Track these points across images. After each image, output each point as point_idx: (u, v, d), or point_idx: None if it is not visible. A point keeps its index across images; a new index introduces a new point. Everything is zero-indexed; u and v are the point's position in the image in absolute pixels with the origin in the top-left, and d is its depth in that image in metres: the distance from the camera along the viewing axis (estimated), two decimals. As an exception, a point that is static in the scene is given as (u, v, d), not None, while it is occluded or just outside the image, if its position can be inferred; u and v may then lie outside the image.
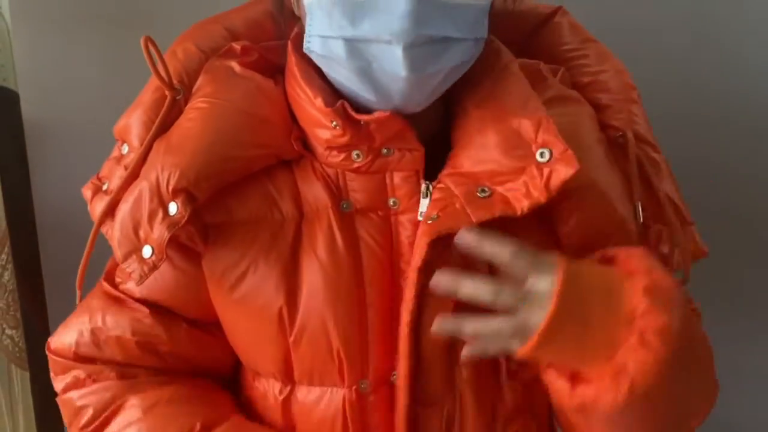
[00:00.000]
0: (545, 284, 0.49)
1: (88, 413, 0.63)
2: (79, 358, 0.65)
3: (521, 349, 0.50)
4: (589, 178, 0.58)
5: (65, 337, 0.65)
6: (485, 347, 0.53)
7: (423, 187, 0.58)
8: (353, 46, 0.53)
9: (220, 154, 0.57)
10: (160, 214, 0.56)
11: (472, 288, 0.51)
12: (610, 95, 0.65)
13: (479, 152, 0.57)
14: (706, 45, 1.00)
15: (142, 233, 0.58)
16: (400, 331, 0.56)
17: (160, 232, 0.56)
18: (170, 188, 0.56)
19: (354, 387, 0.59)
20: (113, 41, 0.91)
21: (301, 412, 0.61)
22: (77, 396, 0.64)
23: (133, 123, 0.62)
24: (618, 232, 0.59)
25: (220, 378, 0.69)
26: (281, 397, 0.62)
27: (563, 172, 0.53)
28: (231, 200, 0.59)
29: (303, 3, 0.56)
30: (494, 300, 0.50)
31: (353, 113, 0.56)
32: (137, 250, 0.58)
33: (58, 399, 0.67)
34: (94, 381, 0.64)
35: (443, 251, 0.55)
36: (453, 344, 0.58)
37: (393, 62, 0.52)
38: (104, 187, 0.63)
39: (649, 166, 0.62)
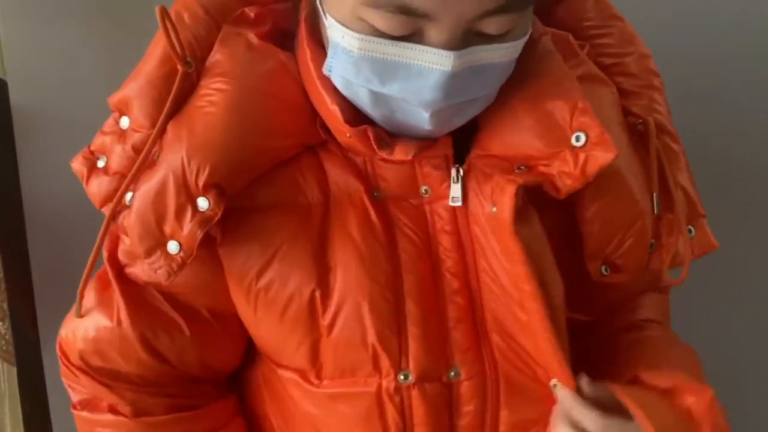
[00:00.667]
0: None
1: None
2: (89, 370, 0.63)
3: None
4: (614, 165, 0.56)
5: (72, 340, 0.63)
6: None
7: (453, 172, 0.56)
8: (379, 97, 0.51)
9: (253, 147, 0.55)
10: (189, 210, 0.53)
11: None
12: (632, 80, 0.63)
13: (511, 135, 0.55)
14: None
15: (167, 228, 0.54)
16: (541, 324, 0.53)
17: (191, 229, 0.53)
18: (200, 183, 0.53)
19: (390, 378, 0.56)
20: (103, 28, 0.89)
21: (330, 406, 0.59)
22: (92, 419, 0.64)
23: (136, 97, 0.57)
24: (637, 223, 0.58)
25: (225, 374, 0.68)
26: (309, 387, 0.60)
27: (601, 157, 0.51)
28: (255, 185, 0.57)
29: (327, 33, 0.52)
30: None
31: (375, 147, 0.54)
32: (162, 245, 0.55)
33: (72, 409, 0.66)
34: (110, 410, 0.63)
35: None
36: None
37: (418, 119, 0.51)
38: (100, 164, 0.59)
39: (665, 156, 0.60)
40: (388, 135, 0.55)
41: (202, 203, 0.53)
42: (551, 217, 0.56)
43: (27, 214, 0.93)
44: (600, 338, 0.68)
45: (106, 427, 0.63)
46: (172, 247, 0.54)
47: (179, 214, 0.53)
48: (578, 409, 0.53)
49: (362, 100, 0.53)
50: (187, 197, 0.53)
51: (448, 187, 0.56)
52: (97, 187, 0.58)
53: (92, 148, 0.60)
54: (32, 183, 0.92)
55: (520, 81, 0.55)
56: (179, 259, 0.54)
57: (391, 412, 0.57)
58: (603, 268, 0.59)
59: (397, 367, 0.56)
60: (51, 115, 0.91)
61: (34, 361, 0.95)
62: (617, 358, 0.64)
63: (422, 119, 0.51)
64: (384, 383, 0.56)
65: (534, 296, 0.52)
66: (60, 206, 0.90)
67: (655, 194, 0.59)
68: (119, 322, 0.60)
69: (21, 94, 0.90)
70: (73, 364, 0.64)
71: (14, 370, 0.90)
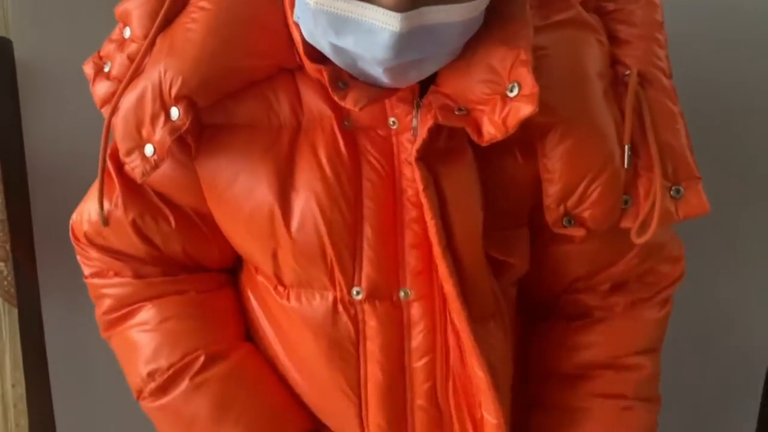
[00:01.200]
0: None
1: (109, 302, 0.70)
2: (92, 246, 0.70)
3: None
4: (581, 113, 0.57)
5: (80, 221, 0.70)
6: None
7: (415, 103, 0.58)
8: (337, 48, 0.53)
9: (223, 65, 0.58)
10: (162, 117, 0.58)
11: None
12: (631, 29, 0.61)
13: (461, 78, 0.56)
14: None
15: (144, 132, 0.59)
16: (435, 250, 0.57)
17: (162, 135, 0.58)
18: (173, 94, 0.57)
19: (345, 292, 0.60)
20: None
21: (292, 312, 0.64)
22: (101, 284, 0.71)
23: (135, 9, 0.62)
24: (605, 172, 0.58)
25: (224, 270, 0.73)
26: (275, 295, 0.65)
27: (522, 110, 0.52)
28: (230, 103, 0.60)
29: None
30: None
31: (329, 88, 0.56)
32: (139, 147, 0.59)
33: (85, 279, 0.73)
34: (115, 275, 0.70)
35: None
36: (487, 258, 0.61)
37: (375, 73, 0.54)
38: (106, 68, 0.64)
39: (652, 112, 0.59)
40: (349, 76, 0.57)
41: (174, 113, 0.57)
42: (515, 160, 0.60)
43: (29, 164, 0.97)
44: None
45: (111, 287, 0.70)
46: (148, 149, 0.59)
47: (154, 121, 0.58)
48: None
49: (325, 49, 0.55)
50: (161, 106, 0.57)
51: (413, 119, 0.58)
52: (100, 89, 0.63)
53: (101, 53, 0.65)
54: (34, 135, 0.97)
55: (487, 26, 0.56)
56: (152, 161, 0.59)
57: (344, 324, 0.61)
58: (565, 220, 0.60)
59: (350, 284, 0.60)
60: (54, 71, 0.95)
61: (34, 302, 1.00)
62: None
63: (378, 73, 0.54)
64: (339, 296, 0.61)
65: (432, 226, 0.56)
66: (61, 157, 0.95)
67: (626, 147, 0.58)
68: (115, 206, 0.65)
69: (25, 52, 0.94)
70: (81, 241, 0.70)
71: (15, 311, 0.95)
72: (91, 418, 1.11)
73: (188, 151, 0.62)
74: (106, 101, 0.62)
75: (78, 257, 0.73)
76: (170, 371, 0.66)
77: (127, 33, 0.63)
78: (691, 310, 1.24)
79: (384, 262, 0.60)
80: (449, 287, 0.58)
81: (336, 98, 0.56)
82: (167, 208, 0.66)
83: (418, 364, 0.62)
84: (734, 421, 1.35)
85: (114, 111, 0.60)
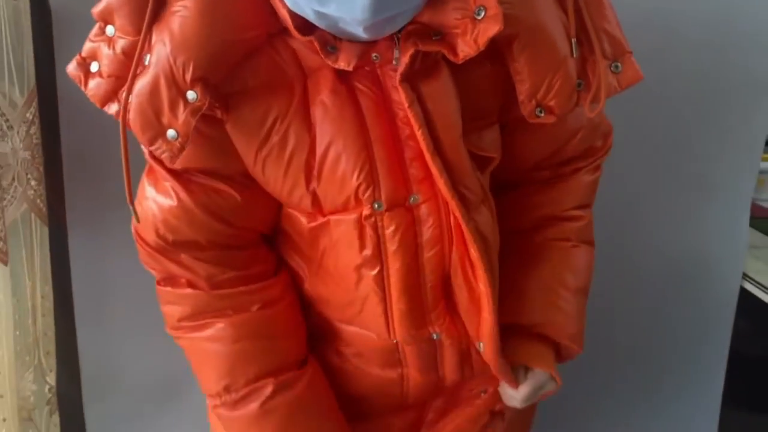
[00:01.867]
0: None
1: (183, 311, 0.78)
2: (167, 246, 0.75)
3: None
4: (538, 21, 0.66)
5: (145, 225, 0.75)
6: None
7: (396, 37, 0.66)
8: (321, 14, 0.60)
9: (223, 40, 0.63)
10: (181, 102, 0.63)
11: None
12: None
13: (435, 9, 0.64)
14: None
15: (165, 119, 0.63)
16: (426, 157, 0.68)
17: (185, 118, 0.63)
18: (188, 78, 0.62)
19: (368, 206, 0.70)
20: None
21: (326, 235, 0.75)
22: (173, 293, 0.78)
23: (118, 8, 0.64)
24: (561, 69, 0.68)
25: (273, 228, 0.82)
26: (311, 225, 0.75)
27: (490, 29, 0.61)
28: (243, 72, 0.67)
29: None
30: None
31: (322, 55, 0.65)
32: (162, 134, 0.64)
33: (157, 285, 0.80)
34: (189, 285, 0.77)
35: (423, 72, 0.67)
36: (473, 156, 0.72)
37: (356, 31, 0.62)
38: (93, 68, 0.67)
39: (585, 6, 0.68)
40: (334, 38, 0.65)
41: (191, 95, 0.62)
42: (485, 68, 0.71)
43: (60, 93, 1.08)
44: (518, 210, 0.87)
45: (185, 298, 0.77)
46: (171, 134, 0.64)
47: (173, 107, 0.63)
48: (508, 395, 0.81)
49: (309, 15, 0.61)
50: (178, 92, 0.62)
51: (394, 50, 0.67)
52: (95, 88, 0.67)
53: (83, 54, 0.69)
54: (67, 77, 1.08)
55: None
56: (178, 144, 0.64)
57: (369, 232, 0.72)
58: (537, 110, 0.71)
59: (372, 198, 0.70)
60: (87, 19, 1.07)
61: (62, 223, 1.12)
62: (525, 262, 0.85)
63: (358, 31, 0.61)
64: (364, 211, 0.71)
65: (420, 135, 0.67)
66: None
67: (573, 40, 0.68)
68: (179, 199, 0.72)
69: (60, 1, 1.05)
70: (150, 246, 0.75)
71: (46, 229, 1.06)
72: (110, 334, 1.22)
73: (216, 124, 0.69)
74: (106, 99, 0.67)
75: (145, 266, 0.79)
76: (244, 390, 0.76)
77: (111, 31, 0.65)
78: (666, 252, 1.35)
79: (395, 176, 0.70)
80: (442, 185, 0.69)
81: (329, 62, 0.65)
82: (222, 183, 0.73)
83: (429, 254, 0.73)
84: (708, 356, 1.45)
85: (126, 108, 0.64)
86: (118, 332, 1.23)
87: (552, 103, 0.70)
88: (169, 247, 0.74)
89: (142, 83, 0.63)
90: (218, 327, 0.77)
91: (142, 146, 0.70)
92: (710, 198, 1.36)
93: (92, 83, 0.67)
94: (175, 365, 1.25)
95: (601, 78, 0.69)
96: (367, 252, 0.72)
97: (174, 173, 0.72)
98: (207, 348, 0.78)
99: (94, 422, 1.27)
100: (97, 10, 0.66)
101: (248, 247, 0.79)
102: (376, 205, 0.70)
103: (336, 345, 0.83)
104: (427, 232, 0.72)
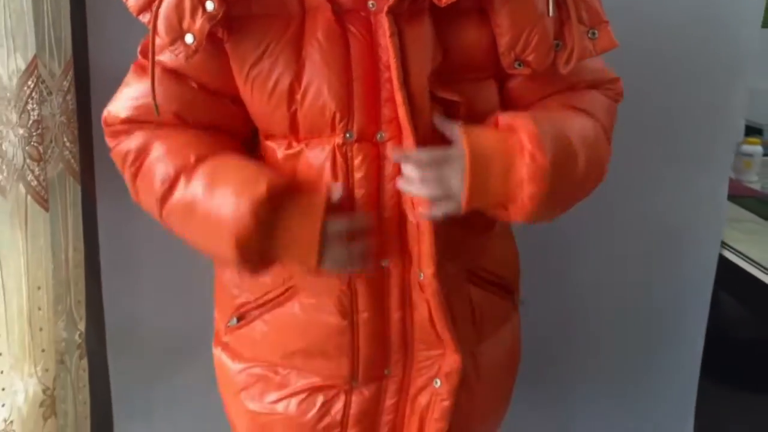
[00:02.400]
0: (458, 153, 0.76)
1: (131, 155, 0.85)
2: (124, 122, 0.86)
3: (462, 207, 0.76)
4: None
5: (114, 109, 0.87)
6: (435, 213, 0.78)
7: None
8: None
9: None
10: (200, 10, 0.76)
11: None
12: None
13: None
14: None
15: (185, 24, 0.77)
16: (394, 86, 0.77)
17: (201, 23, 0.76)
18: None
19: (341, 135, 0.80)
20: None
21: (300, 162, 0.83)
22: (122, 145, 0.86)
23: None
24: (538, 25, 0.78)
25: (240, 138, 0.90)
26: (287, 152, 0.84)
27: None
28: (249, 0, 0.79)
29: None
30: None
31: None
32: (181, 37, 0.77)
33: (111, 154, 0.89)
34: (133, 133, 0.86)
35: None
36: (433, 96, 0.80)
37: None
38: None
39: None
40: None
41: (209, 5, 0.76)
42: (472, 20, 0.81)
43: (92, 78, 1.20)
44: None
45: (131, 141, 0.85)
46: (188, 38, 0.77)
47: (193, 14, 0.76)
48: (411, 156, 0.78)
49: None
50: (199, 1, 0.76)
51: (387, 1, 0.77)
52: (134, 2, 0.80)
53: None
54: (99, 48, 1.19)
55: None
56: (193, 47, 0.77)
57: (339, 161, 0.81)
58: (516, 64, 0.80)
59: (345, 129, 0.79)
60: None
61: (92, 184, 1.23)
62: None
63: None
64: (336, 140, 0.80)
65: (393, 64, 0.76)
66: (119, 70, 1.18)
67: (550, 1, 0.78)
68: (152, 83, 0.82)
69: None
70: (116, 126, 0.86)
71: (79, 188, 1.18)
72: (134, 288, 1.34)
73: (219, 43, 0.81)
74: (142, 9, 0.79)
75: (108, 140, 0.89)
76: (173, 175, 0.81)
77: None
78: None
79: (368, 112, 0.80)
80: (402, 113, 0.78)
81: None
82: (206, 94, 0.85)
83: (389, 185, 0.82)
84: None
85: (156, 16, 0.77)
86: (141, 288, 1.35)
87: (530, 58, 0.79)
88: (130, 123, 0.85)
89: None
90: (155, 145, 0.84)
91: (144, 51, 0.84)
92: (692, 173, 1.45)
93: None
94: (194, 320, 1.38)
95: (576, 40, 0.79)
96: (337, 176, 0.81)
97: (172, 72, 0.83)
98: (150, 167, 0.84)
99: (116, 370, 1.38)
100: None
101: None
102: (347, 135, 0.80)
103: (300, 297, 0.89)
104: (388, 167, 0.81)
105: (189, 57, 0.78)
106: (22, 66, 0.98)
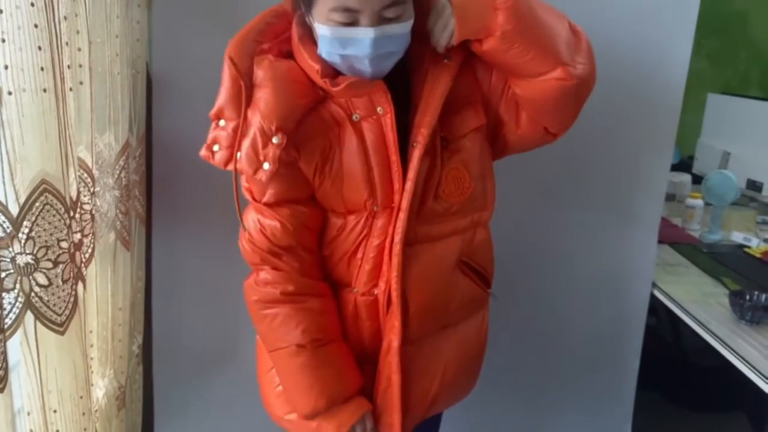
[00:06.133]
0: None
1: (271, 298, 1.15)
2: (271, 251, 1.14)
3: (456, 37, 1.04)
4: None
5: (250, 249, 1.16)
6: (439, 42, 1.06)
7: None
8: (343, 57, 1.03)
9: (290, 105, 1.05)
10: (270, 145, 1.03)
11: None
12: None
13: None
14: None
15: (261, 156, 1.03)
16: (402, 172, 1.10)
17: (273, 152, 1.03)
18: (273, 128, 1.02)
19: (371, 208, 1.12)
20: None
21: (347, 231, 1.15)
22: (269, 286, 1.16)
23: (225, 105, 1.06)
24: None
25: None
26: (339, 222, 1.15)
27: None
28: (304, 127, 1.08)
29: (316, 31, 1.03)
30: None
31: (330, 88, 1.05)
32: (260, 166, 1.04)
33: (250, 280, 1.20)
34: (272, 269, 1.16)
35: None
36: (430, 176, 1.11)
37: (364, 66, 1.03)
38: (215, 149, 1.08)
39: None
40: (353, 102, 1.08)
41: (275, 140, 1.03)
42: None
43: (155, 148, 1.54)
44: None
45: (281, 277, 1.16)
46: (266, 166, 1.04)
47: (265, 147, 1.03)
48: None
49: (336, 62, 1.04)
50: (267, 138, 1.03)
51: (390, 106, 1.07)
52: (220, 158, 1.08)
53: (208, 143, 1.09)
54: (163, 134, 1.54)
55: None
56: (269, 172, 1.04)
57: (368, 225, 1.14)
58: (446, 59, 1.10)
59: (373, 204, 1.11)
60: (175, 82, 1.52)
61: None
62: None
63: (366, 65, 1.02)
64: (368, 212, 1.13)
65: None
66: (176, 140, 1.51)
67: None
68: (279, 220, 1.12)
69: (160, 68, 1.51)
70: (263, 250, 1.14)
71: (143, 227, 1.50)
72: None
73: (293, 165, 1.09)
74: (227, 161, 1.07)
75: (251, 260, 1.18)
76: (290, 342, 1.15)
77: (222, 123, 1.07)
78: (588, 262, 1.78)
79: (386, 192, 1.11)
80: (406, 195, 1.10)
81: (339, 90, 1.05)
82: (301, 205, 1.14)
83: (398, 234, 1.12)
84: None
85: (236, 160, 1.06)
86: (181, 310, 1.68)
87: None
88: (275, 249, 1.14)
89: (246, 141, 1.05)
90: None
91: (250, 198, 1.15)
92: (627, 223, 1.80)
93: (217, 156, 1.09)
94: (224, 336, 1.70)
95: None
96: (365, 232, 1.14)
97: (271, 205, 1.12)
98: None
99: (159, 378, 1.70)
100: (213, 112, 1.09)
101: (315, 252, 1.18)
102: (374, 208, 1.12)
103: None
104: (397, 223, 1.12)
105: (268, 179, 1.05)
106: (114, 142, 1.31)
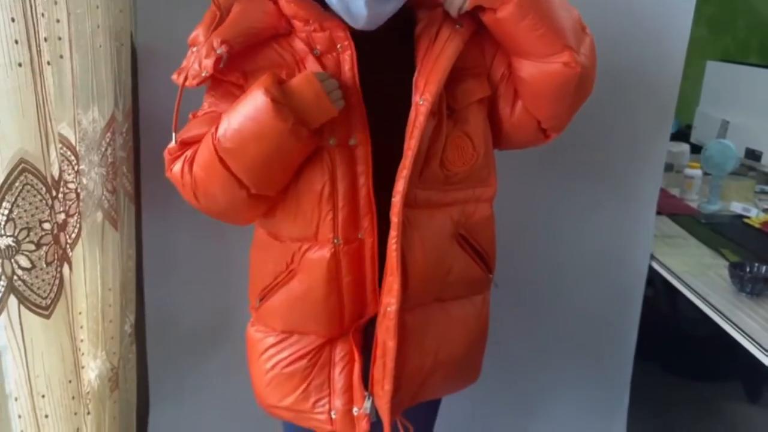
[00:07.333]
0: None
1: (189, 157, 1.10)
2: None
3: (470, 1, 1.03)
4: None
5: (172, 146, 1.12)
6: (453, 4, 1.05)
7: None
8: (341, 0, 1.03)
9: (247, 27, 1.05)
10: (212, 53, 1.02)
11: None
12: None
13: None
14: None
15: (202, 66, 1.03)
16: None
17: (212, 58, 1.01)
18: (219, 42, 1.01)
19: (326, 142, 1.07)
20: None
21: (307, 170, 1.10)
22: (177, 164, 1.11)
23: (199, 33, 1.07)
24: None
25: None
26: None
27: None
28: (256, 56, 1.07)
29: None
30: None
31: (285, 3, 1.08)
32: (199, 74, 1.04)
33: (167, 174, 1.13)
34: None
35: None
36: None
37: (359, 6, 1.02)
38: (186, 76, 1.06)
39: None
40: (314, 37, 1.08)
41: (219, 50, 1.01)
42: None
43: (141, 122, 1.50)
44: None
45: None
46: (204, 74, 1.03)
47: (207, 57, 1.02)
48: None
49: (332, 3, 1.04)
50: (212, 50, 1.02)
51: (348, 43, 1.07)
52: (191, 79, 1.05)
53: (180, 68, 1.08)
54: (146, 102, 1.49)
55: None
56: (201, 74, 1.03)
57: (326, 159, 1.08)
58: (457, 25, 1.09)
59: (330, 135, 1.07)
60: (161, 54, 1.47)
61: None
62: None
63: (361, 5, 1.01)
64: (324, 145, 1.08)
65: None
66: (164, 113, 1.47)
67: None
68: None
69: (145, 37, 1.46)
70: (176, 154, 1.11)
71: (133, 207, 1.47)
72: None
73: (240, 89, 1.07)
74: (181, 72, 1.08)
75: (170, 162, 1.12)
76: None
77: (194, 49, 1.07)
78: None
79: (343, 120, 1.07)
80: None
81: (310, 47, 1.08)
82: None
83: (361, 178, 1.09)
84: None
85: (186, 78, 1.06)
86: (175, 288, 1.65)
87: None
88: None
89: (194, 56, 1.05)
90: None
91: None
92: (625, 195, 1.77)
93: (181, 78, 1.06)
94: (217, 316, 1.68)
95: None
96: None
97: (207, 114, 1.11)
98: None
99: (154, 357, 1.68)
100: (189, 38, 1.09)
101: None
102: (330, 141, 1.07)
103: (298, 276, 1.15)
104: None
105: (203, 82, 1.05)
106: (100, 118, 1.27)
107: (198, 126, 1.10)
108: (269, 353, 1.21)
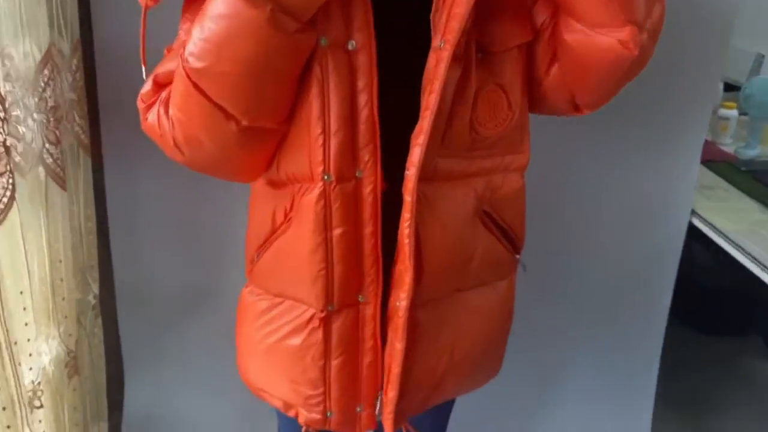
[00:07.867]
0: None
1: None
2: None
3: None
4: None
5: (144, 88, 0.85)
6: None
7: None
8: None
9: None
10: None
11: None
12: None
13: None
14: None
15: None
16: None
17: None
18: None
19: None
20: None
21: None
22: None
23: None
24: None
25: None
26: None
27: None
28: None
29: None
30: None
31: None
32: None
33: (143, 127, 0.86)
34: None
35: None
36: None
37: None
38: None
39: None
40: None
41: None
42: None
43: (98, 58, 1.24)
44: None
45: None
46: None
47: None
48: None
49: None
50: None
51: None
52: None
53: None
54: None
55: None
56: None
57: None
58: None
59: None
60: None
61: (100, 159, 1.29)
62: None
63: None
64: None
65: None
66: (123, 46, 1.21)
67: None
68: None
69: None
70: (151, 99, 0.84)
71: (89, 161, 1.24)
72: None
73: None
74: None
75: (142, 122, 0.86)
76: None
77: None
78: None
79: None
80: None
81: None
82: None
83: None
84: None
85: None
86: (147, 249, 1.43)
87: None
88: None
89: None
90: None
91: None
92: (666, 143, 1.54)
93: None
94: (196, 278, 1.47)
95: None
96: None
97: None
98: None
99: (126, 328, 1.48)
100: None
101: None
102: (322, 42, 0.81)
103: (292, 224, 0.91)
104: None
105: (149, 7, 0.79)
106: (35, 51, 1.02)
107: (174, 60, 0.82)
108: (260, 321, 0.98)
